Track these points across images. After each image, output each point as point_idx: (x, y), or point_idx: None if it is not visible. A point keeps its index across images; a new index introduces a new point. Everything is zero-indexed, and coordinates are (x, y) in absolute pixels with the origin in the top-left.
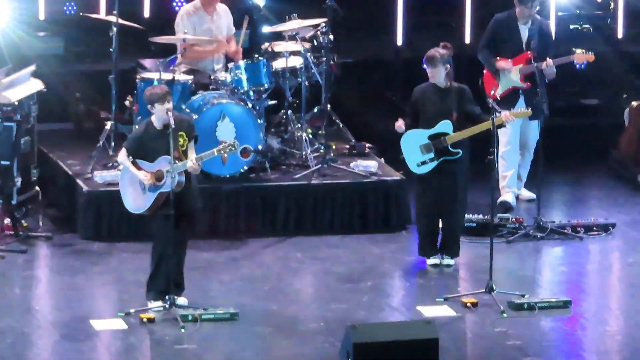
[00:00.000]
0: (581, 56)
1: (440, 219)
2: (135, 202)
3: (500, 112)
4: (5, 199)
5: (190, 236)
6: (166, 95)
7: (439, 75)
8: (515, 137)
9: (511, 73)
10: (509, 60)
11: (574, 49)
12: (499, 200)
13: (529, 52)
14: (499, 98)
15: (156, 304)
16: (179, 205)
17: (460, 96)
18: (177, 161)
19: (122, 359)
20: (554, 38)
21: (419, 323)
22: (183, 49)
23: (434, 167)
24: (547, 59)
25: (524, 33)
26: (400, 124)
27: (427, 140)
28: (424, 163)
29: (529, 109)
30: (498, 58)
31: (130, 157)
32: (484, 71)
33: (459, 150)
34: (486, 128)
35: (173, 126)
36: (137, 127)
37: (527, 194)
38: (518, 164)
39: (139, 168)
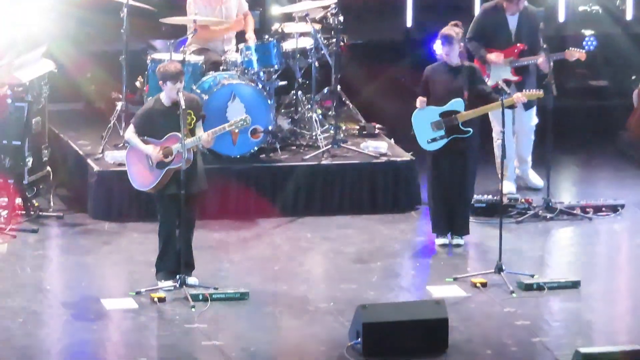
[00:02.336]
0: (573, 53)
1: (451, 198)
2: (143, 179)
3: (509, 93)
4: (16, 179)
5: (197, 216)
6: (179, 74)
7: (454, 53)
8: (509, 129)
9: (502, 66)
10: (500, 54)
11: (582, 30)
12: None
13: (519, 44)
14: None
15: (166, 284)
16: (185, 185)
17: (471, 75)
18: (186, 138)
19: (133, 338)
20: (562, 20)
21: (428, 303)
22: (194, 29)
23: (444, 145)
24: (542, 56)
25: (512, 24)
26: (423, 100)
27: (438, 118)
28: (434, 140)
29: (541, 91)
30: (488, 50)
31: (138, 135)
32: (474, 61)
33: (470, 129)
34: (497, 108)
35: (183, 106)
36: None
37: (535, 179)
38: (519, 149)
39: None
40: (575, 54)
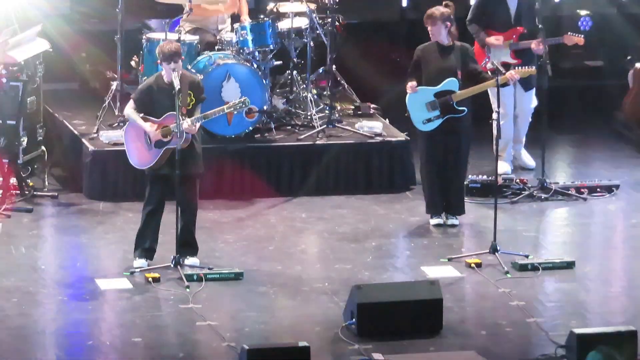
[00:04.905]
0: (571, 38)
1: (445, 178)
2: (141, 157)
3: (503, 72)
4: (11, 159)
5: (196, 199)
6: (173, 55)
7: (438, 33)
8: (510, 109)
9: (502, 47)
10: (500, 37)
11: (577, 10)
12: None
13: (519, 28)
14: (489, 73)
15: (140, 262)
16: (181, 166)
17: (464, 54)
18: (183, 118)
19: (127, 318)
20: (558, 0)
21: (423, 283)
22: (189, 9)
23: (439, 125)
24: (537, 41)
25: (512, 6)
26: (414, 85)
27: (433, 98)
28: (429, 120)
29: (533, 67)
30: (488, 31)
31: (137, 111)
32: (474, 43)
33: (464, 108)
34: (491, 86)
35: (178, 87)
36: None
37: (528, 159)
38: (515, 129)
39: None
40: (574, 38)
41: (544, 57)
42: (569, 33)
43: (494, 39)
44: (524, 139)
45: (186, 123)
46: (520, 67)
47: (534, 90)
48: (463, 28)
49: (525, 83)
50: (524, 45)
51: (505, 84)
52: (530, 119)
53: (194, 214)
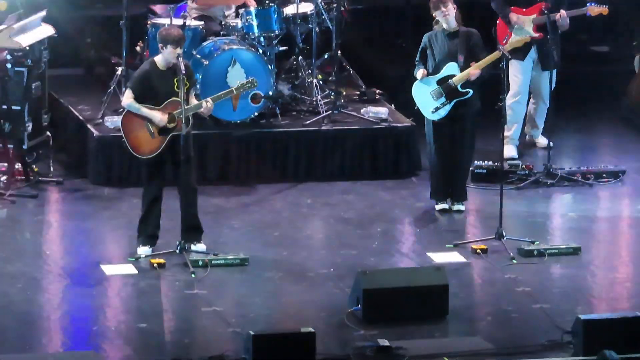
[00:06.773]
0: (595, 9)
1: (452, 165)
2: (145, 146)
3: (510, 57)
4: (16, 144)
5: (195, 181)
6: (181, 40)
7: (452, 14)
8: (525, 88)
9: (524, 23)
10: (523, 10)
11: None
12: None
13: (543, 3)
14: (511, 48)
15: (144, 249)
16: (177, 151)
17: (468, 39)
18: (186, 104)
19: (133, 304)
20: None
21: (428, 269)
22: None
23: (447, 113)
24: (561, 10)
25: None
26: (425, 72)
27: (436, 86)
28: (437, 109)
29: (527, 36)
30: (511, 8)
31: (136, 100)
32: (498, 20)
33: (469, 90)
34: (487, 63)
35: (184, 71)
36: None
37: (543, 141)
38: (533, 113)
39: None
40: (597, 9)
41: (550, 42)
42: (592, 3)
43: (515, 17)
44: (541, 126)
45: (205, 104)
46: (527, 58)
47: (554, 72)
48: (470, 14)
49: (544, 62)
50: (545, 19)
51: (502, 58)
52: (547, 103)
53: (196, 196)
